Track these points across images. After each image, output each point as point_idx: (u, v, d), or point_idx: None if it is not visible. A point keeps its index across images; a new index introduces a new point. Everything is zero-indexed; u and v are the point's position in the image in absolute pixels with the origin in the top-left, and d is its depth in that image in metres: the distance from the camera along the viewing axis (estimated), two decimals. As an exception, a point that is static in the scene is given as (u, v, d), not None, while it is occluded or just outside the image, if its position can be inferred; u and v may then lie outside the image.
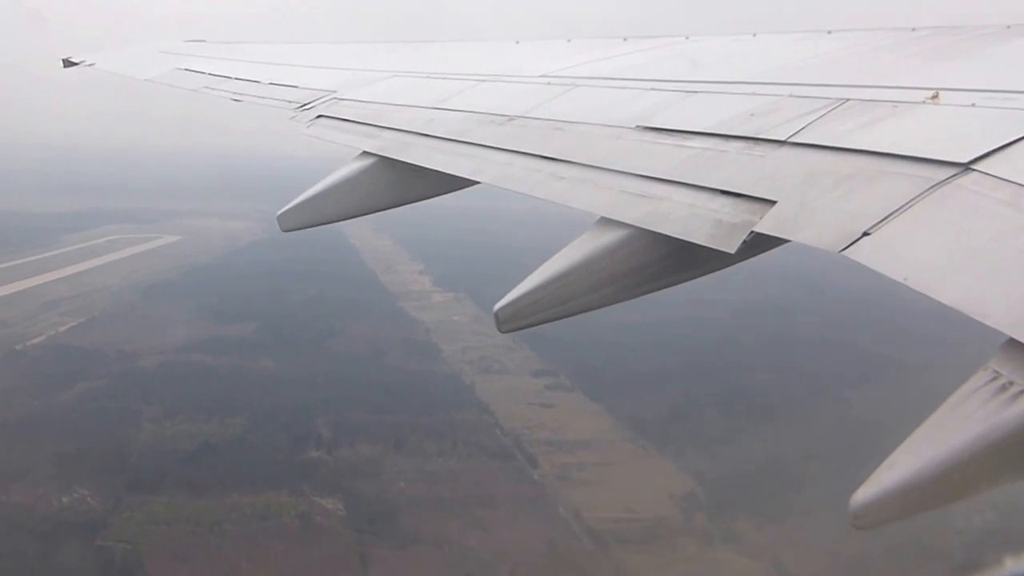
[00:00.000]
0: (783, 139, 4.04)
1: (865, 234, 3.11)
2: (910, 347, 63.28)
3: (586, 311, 4.08)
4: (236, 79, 9.53)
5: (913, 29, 5.58)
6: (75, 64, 12.51)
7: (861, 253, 3.05)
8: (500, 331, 4.05)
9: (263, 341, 76.59)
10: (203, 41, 12.89)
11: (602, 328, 64.50)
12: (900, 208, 3.16)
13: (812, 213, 3.40)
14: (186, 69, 10.62)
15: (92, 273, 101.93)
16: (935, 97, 3.95)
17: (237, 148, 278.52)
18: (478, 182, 5.30)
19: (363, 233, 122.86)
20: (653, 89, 5.55)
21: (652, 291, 4.14)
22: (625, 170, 4.41)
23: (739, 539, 47.18)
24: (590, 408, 66.66)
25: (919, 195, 3.17)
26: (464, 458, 55.10)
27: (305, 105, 7.73)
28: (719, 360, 74.06)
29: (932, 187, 3.18)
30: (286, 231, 6.06)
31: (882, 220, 3.14)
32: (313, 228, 6.16)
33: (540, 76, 6.62)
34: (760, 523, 48.79)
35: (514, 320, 3.97)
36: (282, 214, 5.98)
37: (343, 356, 73.42)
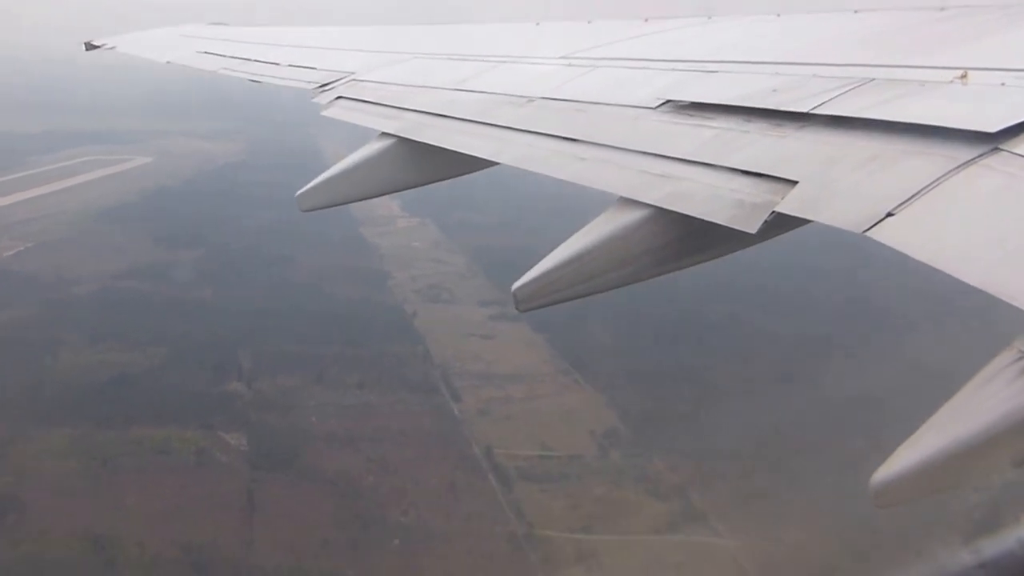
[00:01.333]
0: (805, 112, 4.06)
1: (889, 215, 3.11)
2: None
3: (605, 290, 4.15)
4: (255, 61, 9.63)
5: (942, 8, 5.46)
6: (96, 47, 12.74)
7: (885, 234, 3.04)
8: (518, 310, 4.11)
9: (207, 268, 74.99)
10: (224, 24, 13.15)
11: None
12: (925, 188, 3.16)
13: (834, 193, 3.41)
14: (206, 52, 10.73)
15: (53, 196, 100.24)
16: (963, 77, 3.89)
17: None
18: (498, 163, 5.30)
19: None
20: (674, 70, 5.55)
21: (672, 271, 4.17)
22: (646, 150, 4.44)
23: (652, 479, 45.74)
24: (532, 339, 64.85)
25: (945, 175, 3.17)
26: (385, 392, 53.71)
27: (324, 86, 7.73)
28: (678, 301, 71.69)
29: (959, 167, 3.18)
30: (305, 211, 6.29)
31: (907, 200, 3.14)
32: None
33: (560, 57, 6.56)
34: (676, 463, 47.25)
35: (532, 299, 4.01)
36: (301, 194, 6.13)
37: (284, 284, 71.89)
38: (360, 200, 6.46)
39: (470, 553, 37.68)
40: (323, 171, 6.49)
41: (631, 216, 4.04)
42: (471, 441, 48.97)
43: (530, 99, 5.78)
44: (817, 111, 4.02)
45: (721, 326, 62.78)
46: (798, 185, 3.53)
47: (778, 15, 6.53)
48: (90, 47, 12.90)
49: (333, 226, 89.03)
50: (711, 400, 51.10)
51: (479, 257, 79.71)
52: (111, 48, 12.59)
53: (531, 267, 4.11)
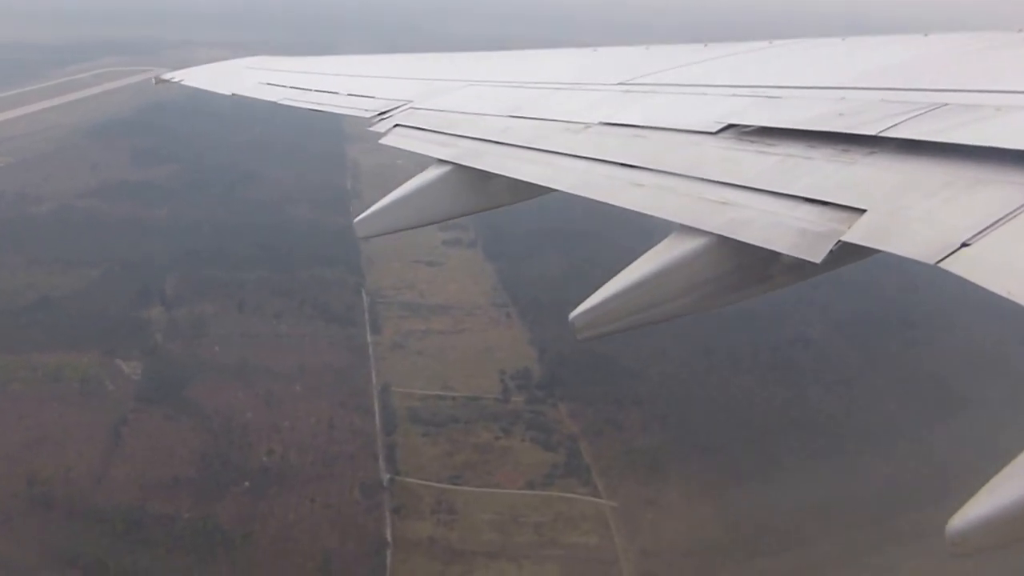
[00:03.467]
0: (874, 135, 3.98)
1: (964, 244, 3.03)
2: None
3: (663, 321, 4.16)
4: (315, 91, 9.73)
5: (1020, 30, 5.42)
6: (166, 82, 13.14)
7: (959, 265, 2.96)
8: (576, 338, 4.11)
9: (174, 186, 74.32)
10: (284, 57, 13.78)
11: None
12: (1003, 217, 3.06)
13: (905, 222, 3.31)
14: (268, 83, 10.94)
15: (54, 111, 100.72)
16: None
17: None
18: (554, 189, 5.29)
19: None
20: (735, 95, 5.49)
21: (732, 302, 4.15)
22: (706, 177, 4.39)
23: (546, 427, 43.36)
24: (481, 269, 62.44)
25: None
26: (301, 323, 52.28)
27: (382, 114, 7.80)
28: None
29: None
30: (363, 238, 6.43)
31: (983, 230, 3.05)
32: None
33: (618, 83, 6.55)
34: (579, 410, 44.72)
35: (590, 328, 4.01)
36: (359, 221, 6.33)
37: (245, 204, 70.69)
38: (416, 227, 6.40)
39: (315, 501, 36.21)
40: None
41: (691, 244, 3.96)
42: (372, 377, 47.20)
43: (587, 125, 5.70)
44: (886, 134, 3.92)
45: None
46: (866, 213, 3.44)
47: (842, 39, 6.33)
48: (159, 81, 13.40)
49: (321, 140, 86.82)
50: (638, 347, 47.79)
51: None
52: (179, 82, 12.96)
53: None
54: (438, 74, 9.01)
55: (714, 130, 4.86)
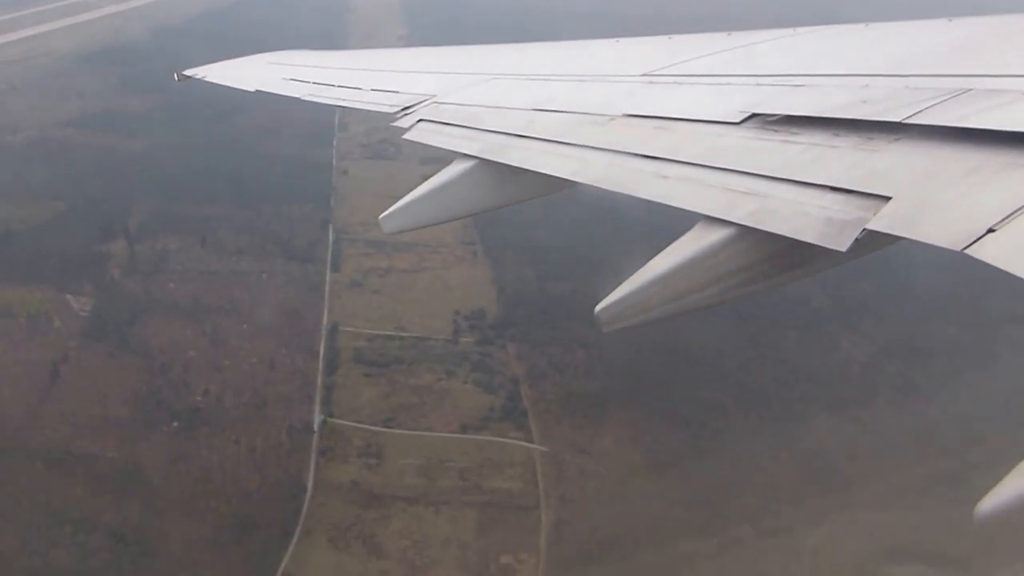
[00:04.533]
0: (898, 122, 3.94)
1: (990, 231, 3.02)
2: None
3: (689, 312, 4.17)
4: (339, 86, 9.87)
5: None
6: (188, 78, 13.31)
7: (985, 251, 2.95)
8: (602, 331, 4.27)
9: (156, 117, 73.29)
10: (308, 51, 13.95)
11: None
12: None
13: (931, 209, 3.30)
14: (292, 79, 11.12)
15: (54, 34, 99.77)
16: None
17: None
18: (579, 183, 5.30)
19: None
20: (758, 84, 5.54)
21: (758, 292, 4.21)
22: (730, 167, 4.44)
23: (491, 369, 42.53)
24: (456, 204, 60.82)
25: None
26: (261, 259, 51.70)
27: (406, 109, 7.98)
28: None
29: None
30: (389, 233, 6.52)
31: (1010, 215, 3.00)
32: None
33: (641, 75, 6.56)
34: (527, 352, 43.75)
35: (616, 320, 4.16)
36: (385, 216, 6.47)
37: (225, 137, 69.54)
38: (443, 222, 6.43)
39: (239, 443, 35.95)
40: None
41: (716, 235, 3.99)
42: (324, 317, 46.56)
43: (611, 117, 5.69)
44: (911, 121, 3.89)
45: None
46: (891, 201, 3.43)
47: (866, 25, 6.20)
48: (182, 78, 13.52)
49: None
50: (597, 288, 46.19)
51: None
52: (202, 78, 13.13)
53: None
54: (462, 68, 8.94)
55: (738, 120, 4.84)
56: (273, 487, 34.41)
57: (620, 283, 4.19)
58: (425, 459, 36.54)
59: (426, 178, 7.39)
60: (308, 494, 34.45)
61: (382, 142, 70.88)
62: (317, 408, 39.47)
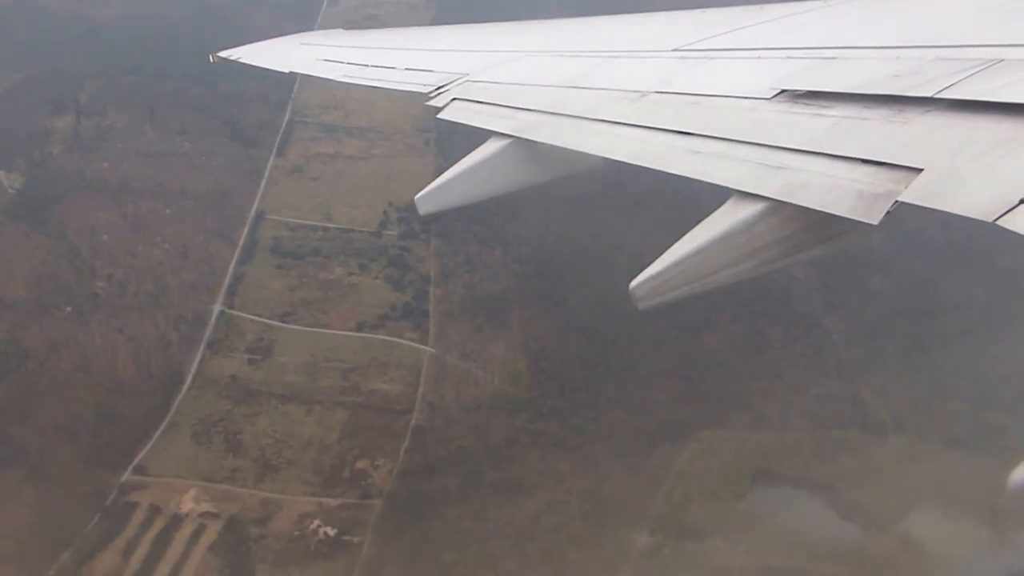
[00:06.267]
0: (929, 98, 3.91)
1: (1022, 201, 2.98)
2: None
3: (724, 286, 4.16)
4: (373, 66, 9.80)
5: None
6: (223, 59, 13.39)
7: (1017, 221, 2.92)
8: (638, 307, 4.17)
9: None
10: (342, 30, 13.90)
11: None
12: None
13: (962, 181, 3.29)
14: (326, 60, 11.16)
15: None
16: None
17: None
18: (612, 159, 5.33)
19: None
20: (790, 58, 5.49)
21: (791, 264, 4.16)
22: (762, 142, 4.41)
23: (408, 266, 41.10)
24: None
25: None
26: (206, 139, 50.30)
27: (440, 88, 7.92)
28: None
29: None
30: (424, 214, 6.61)
31: None
32: None
33: (673, 50, 6.48)
34: (451, 248, 42.00)
35: (651, 296, 4.06)
36: (420, 197, 6.41)
37: (203, 6, 66.92)
38: (477, 201, 6.48)
39: (123, 332, 35.59)
40: None
41: (748, 210, 3.96)
42: (255, 203, 45.32)
43: (643, 94, 5.66)
44: (942, 95, 3.85)
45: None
46: (923, 173, 3.41)
47: None
48: (217, 59, 13.53)
49: None
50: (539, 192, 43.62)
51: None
52: (237, 59, 13.11)
53: None
54: (495, 45, 8.96)
55: (769, 95, 4.80)
56: (150, 378, 34.14)
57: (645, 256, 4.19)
58: (312, 356, 35.69)
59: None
60: (185, 387, 34.07)
61: (368, 18, 67.66)
62: (221, 299, 38.72)
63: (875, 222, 3.37)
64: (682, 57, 6.26)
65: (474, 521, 27.54)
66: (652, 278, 4.01)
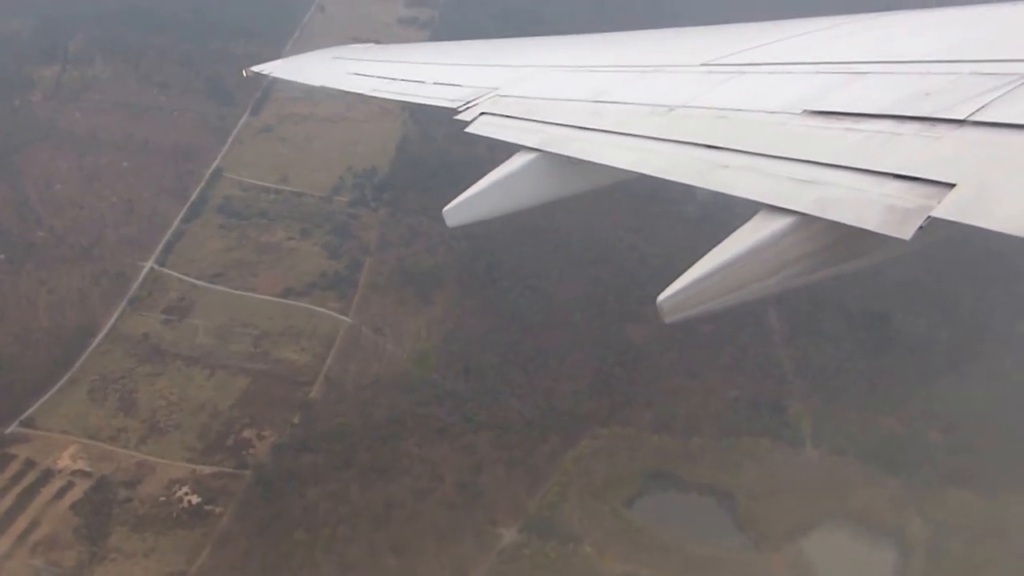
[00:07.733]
0: (963, 118, 3.84)
1: None
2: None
3: (752, 300, 4.08)
4: (403, 80, 9.87)
5: None
6: (256, 74, 13.68)
7: None
8: (665, 321, 4.08)
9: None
10: (373, 45, 14.23)
11: None
12: None
13: (996, 196, 3.26)
14: (356, 74, 11.23)
15: None
16: None
17: None
18: (641, 173, 5.30)
19: None
20: (819, 73, 5.49)
21: (820, 280, 4.13)
22: (792, 156, 4.40)
23: (351, 234, 40.03)
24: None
25: None
26: (185, 95, 50.04)
27: (469, 103, 7.84)
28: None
29: None
30: (453, 226, 6.21)
31: None
32: None
33: (701, 64, 6.52)
34: (392, 217, 40.67)
35: (679, 310, 3.97)
36: (448, 210, 6.13)
37: None
38: (506, 214, 6.27)
39: (45, 284, 35.48)
40: None
41: (778, 224, 3.94)
42: (215, 162, 44.74)
43: (671, 108, 5.73)
44: (975, 118, 3.77)
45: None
46: (955, 188, 3.36)
47: (929, 11, 6.20)
48: (250, 74, 13.79)
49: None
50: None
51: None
52: (268, 74, 13.35)
53: None
54: (523, 60, 8.99)
55: (798, 110, 4.77)
56: (61, 332, 33.78)
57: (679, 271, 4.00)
58: (229, 320, 34.93)
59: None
60: (95, 342, 33.70)
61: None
62: (155, 256, 38.26)
63: (907, 237, 3.28)
64: (710, 71, 6.23)
65: (332, 502, 26.46)
66: (680, 292, 3.90)
